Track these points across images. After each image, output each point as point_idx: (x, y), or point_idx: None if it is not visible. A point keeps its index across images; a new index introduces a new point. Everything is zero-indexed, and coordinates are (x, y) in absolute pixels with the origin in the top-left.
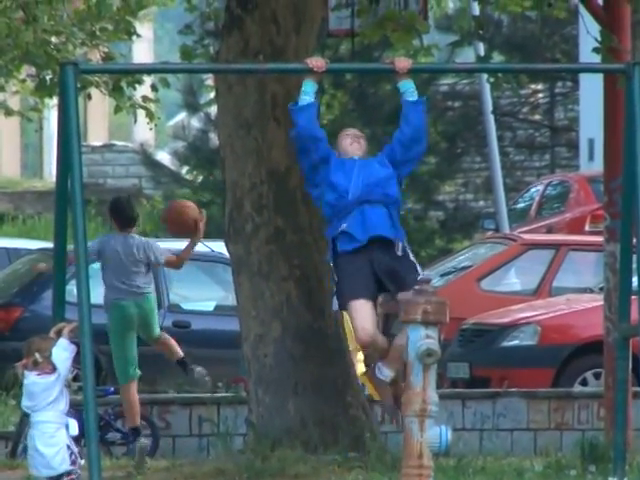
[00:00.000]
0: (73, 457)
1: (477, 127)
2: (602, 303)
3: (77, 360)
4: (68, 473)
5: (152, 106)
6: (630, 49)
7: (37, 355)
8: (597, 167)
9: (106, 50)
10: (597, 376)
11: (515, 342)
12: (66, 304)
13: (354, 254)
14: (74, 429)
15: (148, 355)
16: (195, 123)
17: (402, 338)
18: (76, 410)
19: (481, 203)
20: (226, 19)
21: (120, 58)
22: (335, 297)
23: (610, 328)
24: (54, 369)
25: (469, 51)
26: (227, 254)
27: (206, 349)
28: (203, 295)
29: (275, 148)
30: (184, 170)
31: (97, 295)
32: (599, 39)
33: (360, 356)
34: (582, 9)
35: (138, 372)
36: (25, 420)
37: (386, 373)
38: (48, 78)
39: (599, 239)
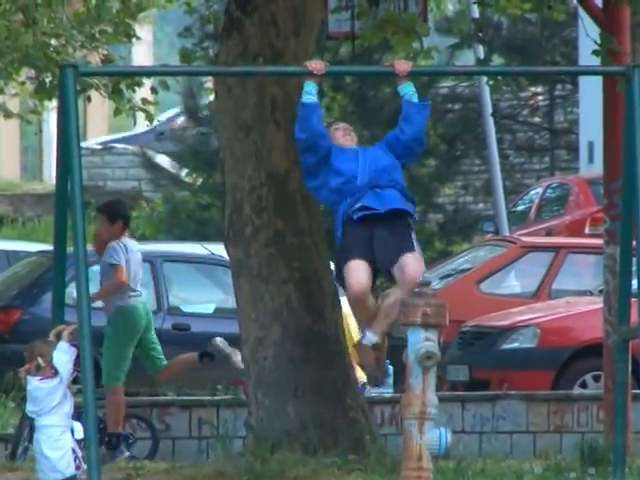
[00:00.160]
0: (77, 462)
1: (477, 130)
2: (602, 306)
3: (77, 362)
4: (74, 477)
5: (151, 109)
6: (630, 51)
7: (40, 360)
8: (597, 169)
9: (105, 52)
10: (597, 379)
11: (515, 345)
12: (65, 306)
13: (360, 225)
14: (79, 432)
15: None
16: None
17: (391, 298)
18: (77, 413)
19: (481, 205)
20: (225, 22)
21: (119, 60)
22: (335, 270)
23: (610, 331)
24: (56, 373)
25: (469, 54)
26: (227, 257)
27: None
28: (203, 298)
29: (275, 151)
30: (184, 173)
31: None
32: (599, 41)
33: None
34: (581, 11)
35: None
36: (25, 422)
37: (371, 338)
38: (48, 80)
39: (599, 242)
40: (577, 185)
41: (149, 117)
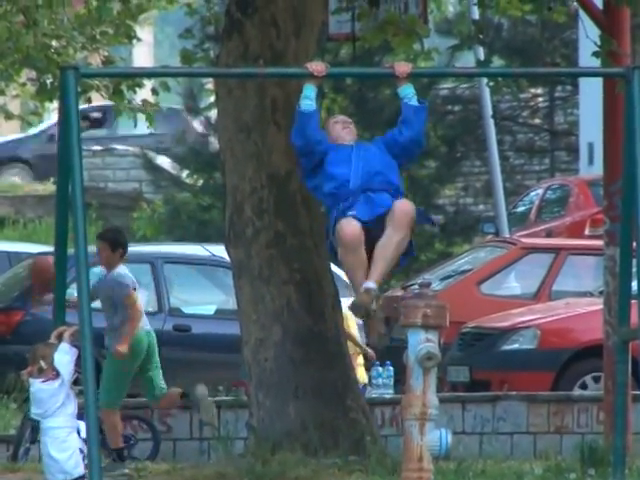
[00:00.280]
0: (85, 461)
1: (477, 131)
2: (602, 307)
3: (78, 364)
4: (82, 477)
5: (152, 110)
6: (630, 53)
7: (42, 362)
8: (597, 171)
9: (106, 54)
10: (597, 380)
11: (515, 346)
12: (67, 307)
13: None
14: (85, 432)
15: None
16: (195, 127)
17: (382, 240)
18: (82, 413)
19: (481, 207)
20: (226, 23)
21: (120, 62)
22: (330, 250)
23: (610, 332)
24: (57, 374)
25: (469, 55)
26: (227, 258)
27: (207, 353)
28: (204, 299)
29: (275, 152)
30: (184, 174)
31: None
32: (599, 43)
33: (360, 360)
34: (582, 13)
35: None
36: (26, 424)
37: (366, 284)
38: (48, 82)
39: (599, 243)
40: (577, 186)
41: (149, 119)
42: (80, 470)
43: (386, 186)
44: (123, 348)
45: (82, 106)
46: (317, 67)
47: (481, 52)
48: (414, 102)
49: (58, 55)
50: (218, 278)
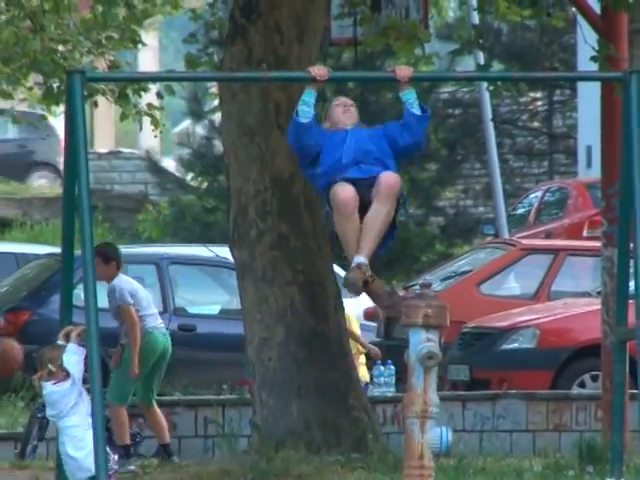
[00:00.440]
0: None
1: (477, 134)
2: (600, 307)
3: (86, 363)
4: None
5: (157, 114)
6: (627, 57)
7: (50, 366)
8: (595, 173)
9: (112, 58)
10: (595, 378)
11: (514, 345)
12: (73, 308)
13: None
14: None
15: None
16: (199, 130)
17: (370, 212)
18: None
19: (481, 209)
20: (230, 28)
21: (126, 66)
22: (327, 221)
23: (607, 331)
24: (68, 375)
25: (469, 60)
26: (232, 259)
27: (211, 352)
28: (208, 299)
29: (278, 155)
30: (189, 177)
31: (103, 299)
32: (597, 48)
33: (362, 359)
34: (580, 18)
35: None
36: (34, 422)
37: (357, 259)
38: (55, 86)
39: (597, 244)
40: (575, 189)
41: (155, 122)
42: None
43: (378, 162)
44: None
45: None
46: (319, 71)
47: (481, 57)
48: (416, 108)
49: (64, 59)
50: (222, 279)
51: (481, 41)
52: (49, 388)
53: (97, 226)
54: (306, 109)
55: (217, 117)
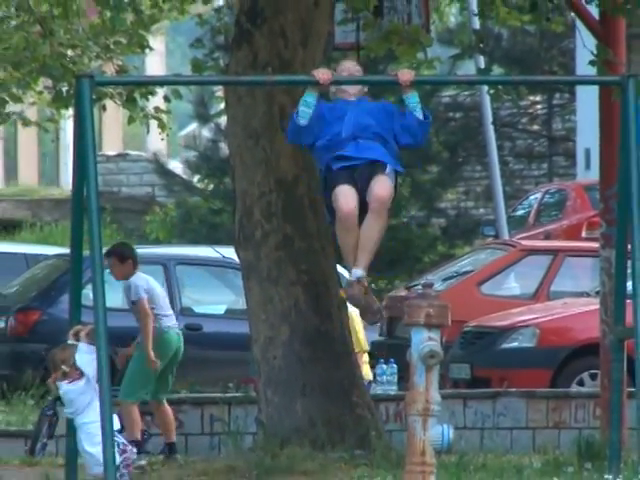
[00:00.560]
0: (122, 446)
1: (478, 137)
2: (598, 307)
3: None
4: (122, 462)
5: (164, 117)
6: (625, 62)
7: (64, 367)
8: (593, 176)
9: (120, 63)
10: (593, 377)
11: (514, 344)
12: (82, 307)
13: (340, 172)
14: (116, 424)
15: None
16: (206, 133)
17: (363, 227)
18: None
19: (481, 210)
20: (236, 33)
21: (133, 70)
22: (326, 210)
23: (606, 331)
24: (82, 374)
25: (470, 64)
26: (237, 260)
27: (217, 351)
28: (214, 299)
29: (283, 157)
30: (196, 179)
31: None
32: (595, 52)
33: (365, 357)
34: (579, 23)
35: (146, 397)
36: (44, 419)
37: (356, 273)
38: (64, 90)
39: (595, 245)
40: (574, 191)
41: (162, 125)
42: (116, 460)
43: (378, 137)
44: (151, 360)
45: None
46: (323, 75)
47: (482, 61)
48: (419, 112)
49: (73, 64)
50: (228, 279)
51: (482, 46)
52: (65, 387)
53: (105, 227)
54: (306, 110)
55: (223, 120)
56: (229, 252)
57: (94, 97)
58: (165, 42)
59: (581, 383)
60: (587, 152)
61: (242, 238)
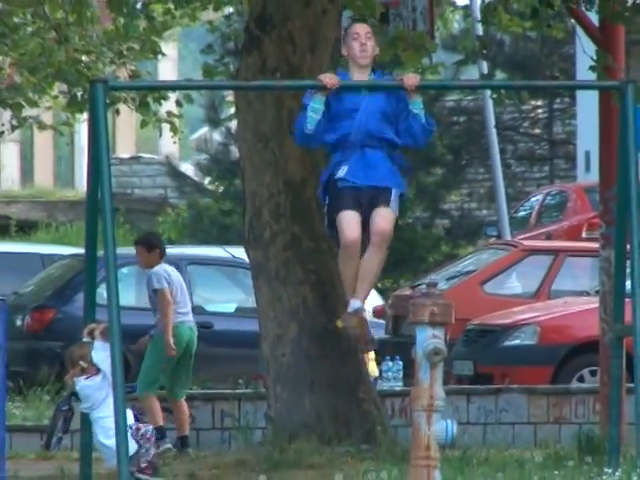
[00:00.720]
0: (134, 427)
1: (481, 140)
2: (598, 305)
3: None
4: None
5: (176, 121)
6: (624, 67)
7: (82, 363)
8: (593, 178)
9: (133, 68)
10: (593, 373)
11: (516, 341)
12: (96, 306)
13: (348, 190)
14: (130, 418)
15: None
16: (216, 137)
17: (364, 260)
18: None
19: (484, 212)
20: (245, 39)
21: (146, 76)
22: (326, 217)
23: (605, 328)
24: (98, 370)
25: (473, 69)
26: (247, 260)
27: (227, 348)
28: (225, 298)
29: (291, 160)
30: (207, 181)
31: (125, 298)
32: (595, 58)
33: (371, 355)
34: (579, 30)
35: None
36: (59, 414)
37: (353, 305)
38: (79, 94)
39: (595, 245)
40: (575, 192)
41: (174, 129)
42: (132, 450)
43: (384, 144)
44: (170, 347)
45: None
46: (330, 80)
47: (485, 66)
48: (421, 117)
49: (88, 69)
50: (238, 278)
51: (485, 51)
52: (82, 383)
53: (118, 228)
54: (314, 116)
55: (233, 124)
56: (239, 252)
57: (108, 101)
58: (177, 48)
59: (581, 379)
60: (587, 155)
61: (251, 238)
